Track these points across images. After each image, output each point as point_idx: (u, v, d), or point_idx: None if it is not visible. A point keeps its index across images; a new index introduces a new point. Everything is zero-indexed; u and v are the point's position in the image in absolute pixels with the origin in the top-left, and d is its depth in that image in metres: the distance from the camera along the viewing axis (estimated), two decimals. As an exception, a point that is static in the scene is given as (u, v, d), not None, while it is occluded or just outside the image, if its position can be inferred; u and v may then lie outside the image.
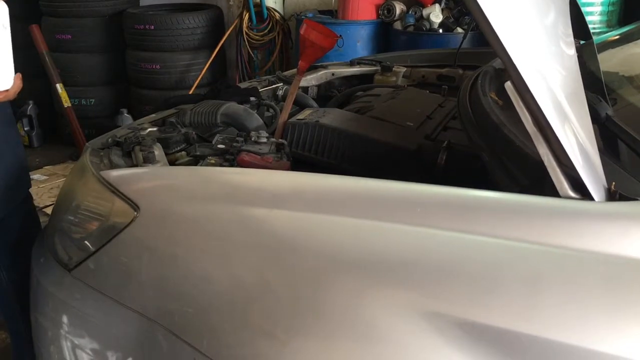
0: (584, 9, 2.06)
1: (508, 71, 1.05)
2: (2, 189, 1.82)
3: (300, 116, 1.89)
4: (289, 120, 1.85)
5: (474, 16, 1.04)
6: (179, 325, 1.21)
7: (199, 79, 4.76)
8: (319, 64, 2.57)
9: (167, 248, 1.28)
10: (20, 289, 1.78)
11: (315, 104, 2.26)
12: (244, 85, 2.39)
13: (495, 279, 1.00)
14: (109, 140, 1.70)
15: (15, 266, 1.90)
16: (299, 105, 2.21)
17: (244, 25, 4.84)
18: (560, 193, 1.05)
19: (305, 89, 2.43)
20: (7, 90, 1.65)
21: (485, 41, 1.06)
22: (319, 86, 2.52)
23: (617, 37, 2.21)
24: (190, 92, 4.63)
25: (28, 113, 4.97)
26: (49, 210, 1.88)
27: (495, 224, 1.06)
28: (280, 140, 1.69)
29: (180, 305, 1.23)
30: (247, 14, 4.84)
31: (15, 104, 4.80)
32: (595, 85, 1.47)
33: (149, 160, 1.52)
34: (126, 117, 4.74)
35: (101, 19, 4.97)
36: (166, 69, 4.80)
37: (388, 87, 2.41)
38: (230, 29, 4.91)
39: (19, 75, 1.68)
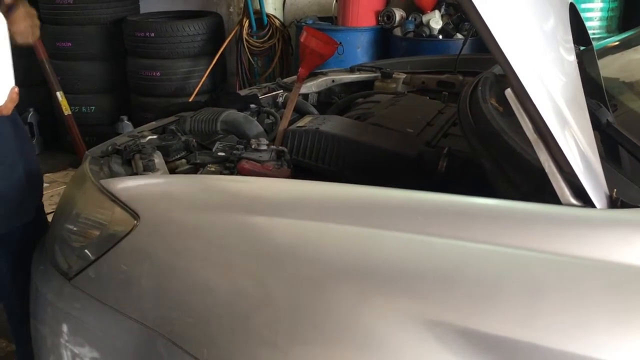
0: (583, 15, 2.06)
1: (508, 78, 1.05)
2: (15, 203, 1.82)
3: (300, 123, 1.88)
4: (289, 127, 1.85)
5: (473, 23, 1.04)
6: (179, 334, 1.21)
7: (199, 86, 4.76)
8: (319, 71, 2.57)
9: (167, 256, 1.28)
10: (26, 297, 1.77)
11: (315, 111, 2.26)
12: (244, 92, 2.39)
13: (496, 287, 1.00)
14: (109, 148, 1.69)
15: (22, 274, 1.90)
16: (299, 112, 2.21)
17: (244, 32, 4.85)
18: (562, 200, 1.05)
19: (305, 96, 2.42)
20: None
21: (485, 47, 1.06)
22: (319, 93, 2.52)
23: (617, 43, 2.21)
24: (191, 99, 4.63)
25: (29, 121, 4.97)
26: (49, 218, 1.88)
27: (496, 231, 1.06)
28: (280, 147, 1.69)
29: (180, 314, 1.22)
30: (247, 21, 4.84)
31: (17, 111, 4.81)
32: (596, 92, 1.47)
33: (149, 168, 1.52)
34: (127, 125, 4.74)
35: (101, 26, 4.97)
36: (166, 76, 4.80)
37: (388, 93, 2.41)
38: (231, 35, 4.92)
39: (16, 88, 1.60)
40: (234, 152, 1.65)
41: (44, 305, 1.49)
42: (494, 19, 1.02)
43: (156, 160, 1.57)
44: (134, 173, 1.54)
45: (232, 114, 1.95)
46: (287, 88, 2.39)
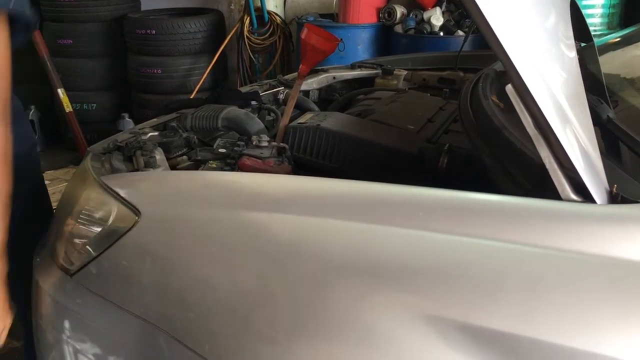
0: (584, 11, 2.06)
1: (509, 74, 1.05)
2: None
3: (301, 120, 1.89)
4: (290, 124, 1.85)
5: (474, 19, 1.04)
6: (180, 330, 1.21)
7: (200, 83, 4.77)
8: (320, 68, 2.57)
9: (169, 253, 1.28)
10: (28, 292, 1.76)
11: (316, 108, 2.26)
12: (245, 89, 2.39)
13: (497, 282, 1.00)
14: (110, 145, 1.69)
15: (23, 272, 1.89)
16: (300, 109, 2.21)
17: (245, 29, 4.85)
18: (562, 196, 1.05)
19: (306, 93, 2.43)
20: None
21: (486, 44, 1.06)
22: (320, 90, 2.52)
23: (618, 39, 2.21)
24: (192, 96, 4.64)
25: (30, 118, 4.98)
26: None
27: (496, 227, 1.06)
28: (281, 144, 1.69)
29: (181, 310, 1.22)
30: (248, 18, 4.85)
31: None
32: (597, 88, 1.47)
33: (150, 164, 1.52)
34: (128, 122, 4.75)
35: (102, 23, 4.98)
36: (167, 73, 4.80)
37: (389, 90, 2.41)
38: (232, 33, 4.92)
39: None
40: (235, 148, 1.65)
41: (46, 302, 1.49)
42: (495, 14, 1.02)
43: (157, 157, 1.57)
44: (135, 169, 1.54)
45: (233, 110, 1.95)
46: (288, 85, 2.40)
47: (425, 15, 4.18)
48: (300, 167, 1.75)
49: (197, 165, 1.65)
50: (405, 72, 2.60)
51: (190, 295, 1.22)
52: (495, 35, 1.01)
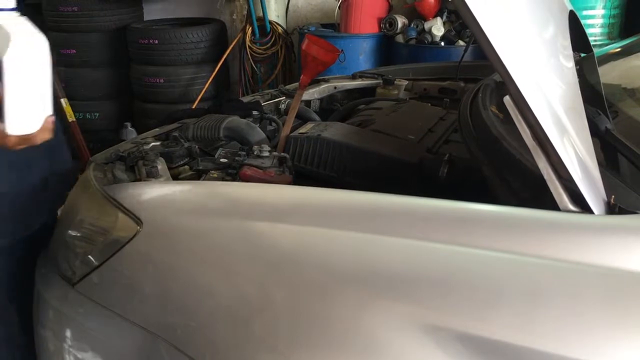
0: (584, 22, 2.07)
1: (506, 85, 1.06)
2: (24, 206, 1.63)
3: (302, 130, 1.89)
4: (291, 134, 1.86)
5: (471, 30, 1.05)
6: (181, 339, 1.21)
7: (203, 92, 4.78)
8: (321, 77, 2.58)
9: (170, 262, 1.29)
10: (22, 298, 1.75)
11: (317, 118, 2.27)
12: (246, 99, 2.40)
13: (495, 293, 1.01)
14: (113, 154, 1.70)
15: (21, 282, 1.88)
16: (302, 118, 2.22)
17: (247, 39, 4.87)
18: (560, 206, 1.06)
19: (307, 103, 2.44)
20: (29, 136, 1.29)
21: (486, 54, 1.07)
22: (321, 100, 2.53)
23: (619, 49, 2.21)
24: (194, 106, 4.65)
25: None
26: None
27: (495, 237, 1.06)
28: (282, 154, 1.70)
29: (182, 319, 1.23)
30: (250, 28, 4.86)
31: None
32: (596, 99, 1.48)
33: (152, 174, 1.53)
34: (130, 131, 4.76)
35: (105, 33, 4.99)
36: (170, 83, 4.82)
37: (390, 100, 2.42)
38: (234, 42, 4.94)
39: (52, 118, 1.35)
40: (236, 158, 1.66)
41: (48, 311, 1.50)
42: (492, 25, 1.03)
43: (159, 167, 1.58)
44: (137, 179, 1.55)
45: (234, 120, 1.96)
46: (290, 95, 2.41)
47: (427, 25, 4.20)
48: (301, 177, 1.75)
49: (198, 175, 1.66)
50: (406, 82, 2.60)
51: (191, 304, 1.22)
52: (492, 46, 1.02)
